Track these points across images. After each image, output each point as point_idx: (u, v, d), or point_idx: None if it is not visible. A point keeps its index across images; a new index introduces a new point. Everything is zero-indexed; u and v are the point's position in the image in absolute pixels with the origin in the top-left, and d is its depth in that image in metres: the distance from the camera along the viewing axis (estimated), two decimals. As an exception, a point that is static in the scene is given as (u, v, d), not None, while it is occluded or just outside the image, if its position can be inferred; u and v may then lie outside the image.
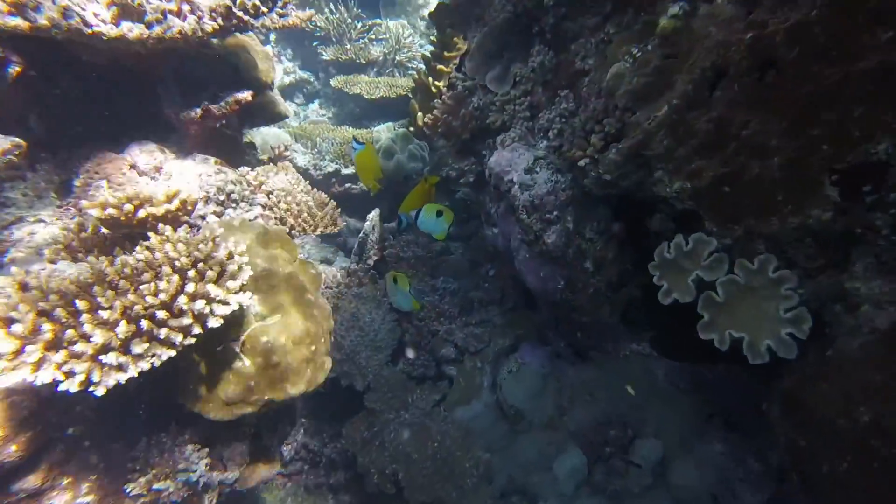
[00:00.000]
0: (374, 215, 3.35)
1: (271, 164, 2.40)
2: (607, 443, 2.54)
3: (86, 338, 1.11)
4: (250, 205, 1.73)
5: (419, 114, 2.83)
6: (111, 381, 1.10)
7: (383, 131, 4.19)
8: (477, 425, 2.69)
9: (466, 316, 3.14)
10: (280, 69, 5.23)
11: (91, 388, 1.10)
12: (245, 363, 1.33)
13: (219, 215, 1.68)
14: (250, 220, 1.61)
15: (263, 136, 3.85)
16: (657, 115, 1.73)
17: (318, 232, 1.78)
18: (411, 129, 2.92)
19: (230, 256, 1.32)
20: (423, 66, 5.23)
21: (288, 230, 1.73)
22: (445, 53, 2.72)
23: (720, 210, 1.61)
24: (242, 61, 2.03)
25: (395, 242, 3.43)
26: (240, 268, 1.31)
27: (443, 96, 2.64)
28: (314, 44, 5.14)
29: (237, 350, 1.35)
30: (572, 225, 2.03)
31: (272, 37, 5.29)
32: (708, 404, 2.45)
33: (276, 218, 1.72)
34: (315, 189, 2.08)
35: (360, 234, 3.28)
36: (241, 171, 1.89)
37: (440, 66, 2.72)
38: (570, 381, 2.74)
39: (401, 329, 3.06)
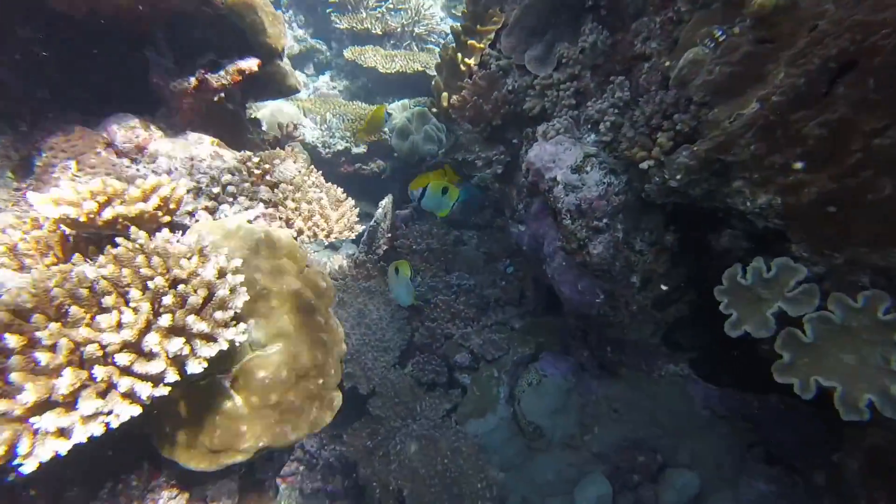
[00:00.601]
0: (386, 202, 3.05)
1: (278, 146, 2.09)
2: (634, 469, 2.29)
3: (7, 395, 0.82)
4: (251, 200, 1.43)
5: (444, 93, 2.52)
6: (47, 453, 0.83)
7: (397, 109, 3.86)
8: (491, 441, 2.44)
9: (483, 317, 2.88)
10: (290, 36, 4.87)
11: (17, 462, 0.84)
12: (236, 402, 1.06)
13: (211, 212, 1.38)
14: (249, 222, 1.32)
15: (271, 110, 3.53)
16: (743, 113, 1.43)
17: (331, 238, 1.49)
18: (433, 109, 2.62)
19: (221, 275, 1.03)
20: (449, 40, 4.90)
21: (296, 234, 1.44)
22: (479, 27, 2.39)
23: (819, 234, 1.32)
24: (248, 23, 1.71)
25: (407, 232, 3.14)
26: (233, 291, 1.01)
27: (473, 75, 2.33)
28: (328, 10, 4.77)
29: (227, 385, 1.07)
30: (622, 234, 1.75)
31: (283, 0, 4.92)
32: (750, 435, 2.20)
33: (281, 219, 1.43)
34: (329, 183, 1.77)
35: (371, 222, 2.99)
36: (241, 155, 1.57)
37: (471, 42, 2.40)
38: (595, 397, 2.48)
39: (411, 328, 2.80)
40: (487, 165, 2.49)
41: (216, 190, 1.41)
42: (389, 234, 3.13)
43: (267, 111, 3.54)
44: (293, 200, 1.51)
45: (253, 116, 2.13)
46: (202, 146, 1.56)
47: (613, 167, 1.73)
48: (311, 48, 4.85)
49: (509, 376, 2.53)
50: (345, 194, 1.76)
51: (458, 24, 2.52)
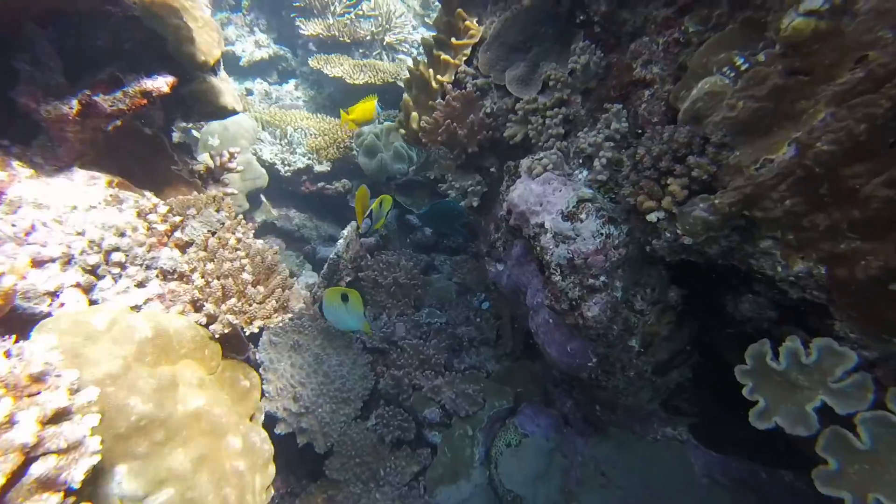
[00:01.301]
0: (349, 231, 2.72)
1: (212, 180, 1.72)
2: (626, 545, 2.01)
3: None
4: (146, 271, 1.09)
5: (413, 114, 2.21)
6: None
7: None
8: (464, 511, 2.13)
9: (455, 359, 2.57)
10: (251, 41, 4.50)
11: None
12: None
13: (86, 290, 1.03)
14: (137, 308, 0.98)
15: (224, 124, 3.17)
16: (772, 159, 1.16)
17: (253, 327, 1.15)
18: (402, 130, 2.31)
19: (57, 418, 0.69)
20: (419, 54, 4.59)
21: (205, 321, 1.10)
22: (453, 40, 2.09)
23: (876, 314, 1.05)
24: (170, 29, 1.37)
25: (372, 263, 2.81)
26: (75, 448, 0.67)
27: (447, 95, 2.02)
28: (293, 15, 4.42)
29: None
30: (620, 293, 1.46)
31: (245, 1, 4.54)
32: (755, 507, 1.93)
33: (186, 302, 1.09)
34: (260, 241, 1.41)
35: (332, 254, 2.65)
36: (142, 204, 1.22)
37: (445, 56, 2.09)
38: (581, 458, 2.19)
39: (374, 375, 2.47)
40: (462, 196, 2.19)
41: (93, 259, 1.06)
42: (352, 265, 2.80)
43: (217, 125, 3.17)
44: (202, 275, 1.16)
45: (179, 141, 1.76)
46: (93, 189, 1.20)
47: (612, 214, 1.44)
48: (275, 55, 4.48)
49: (485, 434, 2.22)
50: (277, 256, 1.38)
51: (430, 36, 2.21)
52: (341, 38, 4.24)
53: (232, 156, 1.75)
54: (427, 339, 2.58)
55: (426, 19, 4.68)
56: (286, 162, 3.32)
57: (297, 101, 4.35)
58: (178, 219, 1.23)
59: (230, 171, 1.71)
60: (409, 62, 4.32)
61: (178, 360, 0.91)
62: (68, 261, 1.02)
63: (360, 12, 4.40)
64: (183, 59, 1.44)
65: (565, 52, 1.82)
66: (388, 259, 2.80)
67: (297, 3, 4.33)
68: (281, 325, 2.49)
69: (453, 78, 2.15)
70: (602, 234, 1.40)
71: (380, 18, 4.34)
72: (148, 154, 1.48)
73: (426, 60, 2.23)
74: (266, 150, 3.33)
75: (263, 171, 3.25)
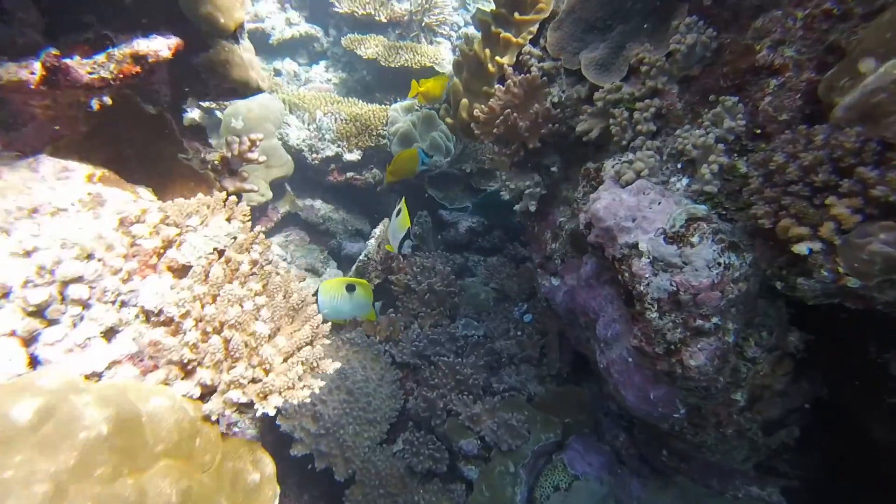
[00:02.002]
0: (380, 231, 2.42)
1: (227, 173, 1.41)
2: None
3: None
4: (121, 310, 0.79)
5: (463, 101, 1.89)
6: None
7: (400, 110, 3.22)
8: (502, 560, 1.84)
9: (493, 377, 2.27)
10: (282, 18, 4.20)
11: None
12: None
13: (26, 342, 0.73)
14: (96, 378, 0.68)
15: (247, 105, 2.88)
16: None
17: (269, 405, 0.84)
18: (448, 119, 1.99)
19: None
20: (458, 37, 4.23)
21: (198, 394, 0.79)
22: (516, 15, 1.76)
23: None
24: (182, -20, 1.08)
25: (405, 266, 2.51)
26: None
27: (506, 80, 1.69)
28: (326, -9, 4.10)
29: None
30: (733, 338, 1.13)
31: (275, -24, 4.23)
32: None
33: (174, 362, 0.78)
34: (290, 273, 1.06)
35: (363, 255, 2.36)
36: (128, 210, 0.91)
37: (505, 35, 1.76)
38: (638, 506, 1.89)
39: (404, 391, 2.18)
40: (517, 198, 1.87)
41: (40, 295, 0.75)
42: (382, 267, 2.50)
43: (242, 105, 2.88)
44: (198, 321, 0.83)
45: (190, 124, 1.46)
46: (63, 186, 0.90)
47: (733, 239, 1.11)
48: (306, 34, 4.17)
49: (528, 472, 1.91)
50: (306, 290, 1.00)
51: (488, 10, 1.88)
52: (377, 18, 3.91)
53: (253, 144, 1.44)
54: (463, 354, 2.27)
55: (467, 1, 4.33)
56: (314, 149, 3.02)
57: (327, 83, 4.05)
58: (173, 231, 0.92)
59: (250, 161, 1.41)
60: (458, 44, 3.99)
61: (153, 464, 0.61)
62: (2, 296, 0.72)
63: (399, -10, 4.06)
64: (197, 19, 1.14)
65: (658, 31, 1.48)
66: (423, 262, 2.50)
67: (332, -21, 4.01)
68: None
69: (514, 60, 1.82)
70: (720, 263, 1.08)
71: (419, -3, 4.00)
72: (149, 139, 1.19)
73: (481, 39, 1.90)
74: (293, 135, 3.04)
75: (289, 157, 2.97)
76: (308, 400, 0.84)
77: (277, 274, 0.99)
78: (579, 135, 1.62)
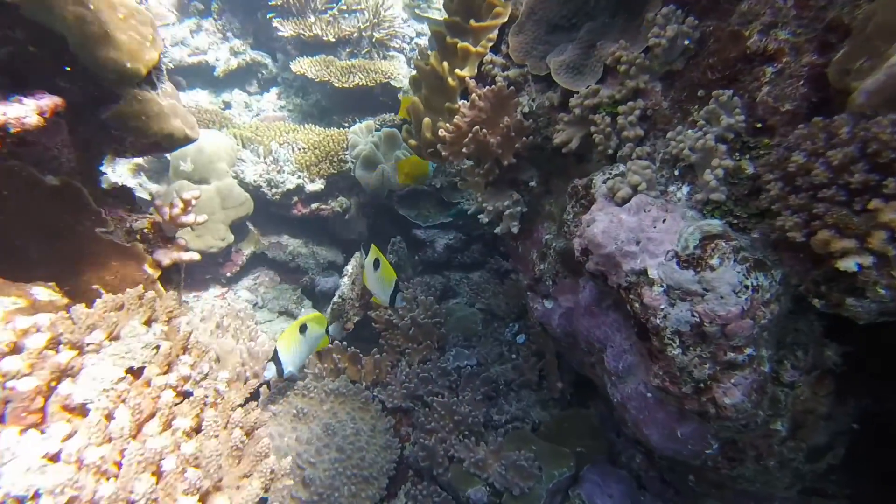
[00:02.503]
0: (353, 267, 2.23)
1: (160, 240, 1.19)
2: None
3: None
4: None
5: (426, 120, 1.72)
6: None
7: (361, 132, 3.04)
8: None
9: (493, 407, 2.09)
10: (226, 48, 3.98)
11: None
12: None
13: None
14: None
15: (199, 148, 2.66)
16: None
17: None
18: (412, 142, 1.82)
19: None
20: (412, 49, 4.06)
21: None
22: (472, 23, 1.60)
23: None
24: (69, 22, 0.87)
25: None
26: None
27: (471, 94, 1.53)
28: (269, 15, 3.90)
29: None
30: (769, 366, 0.98)
31: (214, 4, 4.02)
32: None
33: None
34: (223, 377, 0.86)
35: (336, 297, 2.16)
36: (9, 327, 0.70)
37: (463, 45, 1.60)
38: (666, 535, 1.73)
39: (399, 439, 1.99)
40: (497, 219, 1.70)
41: None
42: (360, 303, 2.31)
43: (191, 147, 2.66)
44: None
45: (110, 187, 1.20)
46: None
47: (756, 255, 0.96)
48: (252, 61, 3.96)
49: (545, 514, 1.74)
50: (260, 422, 0.77)
51: (440, 20, 1.72)
52: (325, 38, 3.73)
53: (188, 205, 1.22)
54: (458, 389, 2.10)
55: (416, 10, 4.17)
56: (273, 183, 2.82)
57: (281, 110, 3.84)
58: (65, 357, 0.71)
59: (185, 226, 1.20)
60: (413, 58, 3.82)
61: None
62: None
63: (344, 7, 3.88)
64: (96, 67, 0.94)
65: (631, 26, 1.33)
66: (403, 294, 2.31)
67: (273, 2, 3.81)
68: (279, 388, 2.01)
69: (476, 71, 1.66)
70: (748, 286, 0.92)
71: (366, 13, 3.83)
72: (53, 216, 0.99)
73: (437, 52, 1.73)
74: (249, 171, 2.83)
75: (247, 195, 2.76)
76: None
77: (218, 396, 0.79)
78: (558, 146, 1.46)
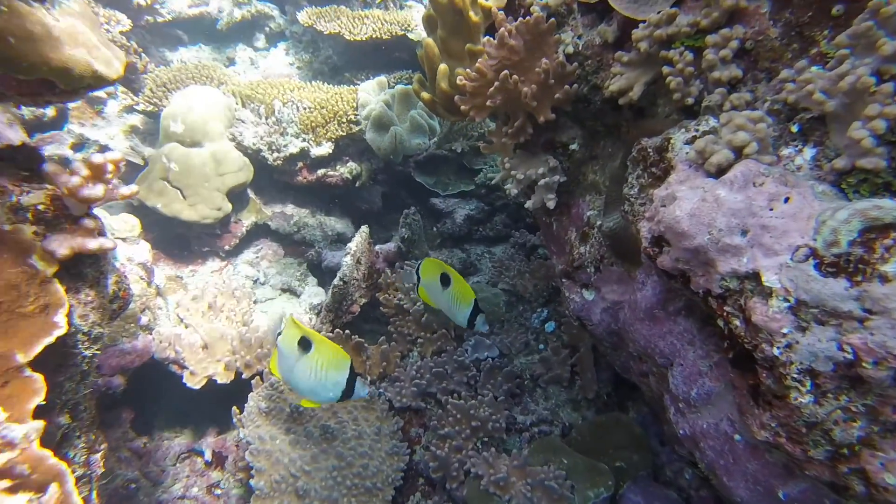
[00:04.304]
0: (357, 244, 1.91)
1: (50, 227, 0.85)
2: None
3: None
4: None
5: (442, 67, 1.36)
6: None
7: (371, 89, 2.67)
8: None
9: (517, 406, 1.79)
10: (230, -1, 3.59)
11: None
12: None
13: None
14: None
15: (188, 106, 2.34)
16: None
17: None
18: (424, 94, 1.47)
19: None
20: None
21: None
22: (501, -63, 1.22)
23: None
24: None
25: (394, 280, 2.01)
26: None
27: (499, 29, 1.16)
28: (276, -38, 3.50)
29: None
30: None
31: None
32: None
33: None
34: None
35: (337, 279, 1.85)
36: None
37: (488, -34, 1.23)
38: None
39: (408, 443, 1.71)
40: (527, 191, 1.35)
41: None
42: (367, 284, 2.00)
43: (180, 105, 2.34)
44: None
45: (5, 147, 0.86)
46: None
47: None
48: (258, 13, 3.58)
49: (578, 542, 1.45)
50: None
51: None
52: (336, -15, 3.32)
53: (97, 171, 0.88)
54: (477, 385, 1.79)
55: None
56: (275, 147, 2.49)
57: (289, 68, 3.48)
58: None
59: (92, 201, 0.85)
60: (425, 5, 3.40)
61: None
62: None
63: (357, -49, 3.46)
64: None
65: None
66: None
67: (280, -53, 3.40)
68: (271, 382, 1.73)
69: (504, 2, 1.28)
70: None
71: (381, -43, 3.40)
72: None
73: (456, -21, 1.35)
74: (248, 133, 2.50)
75: (246, 160, 2.44)
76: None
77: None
78: (611, 96, 1.09)
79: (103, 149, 2.40)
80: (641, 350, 1.06)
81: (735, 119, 0.75)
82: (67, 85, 0.80)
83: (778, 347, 0.65)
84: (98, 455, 0.96)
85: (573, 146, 1.30)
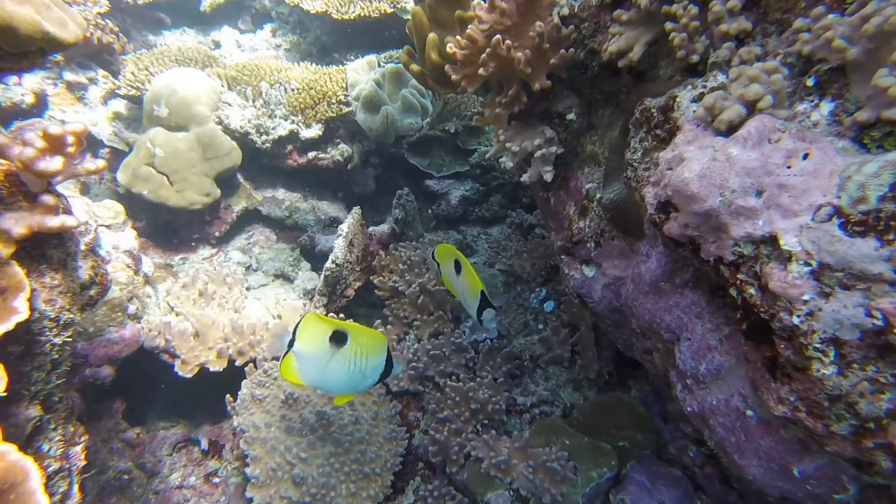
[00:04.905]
0: (348, 226, 1.85)
1: (6, 205, 0.78)
2: None
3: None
4: None
5: (431, 36, 1.28)
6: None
7: (360, 69, 2.59)
8: None
9: (517, 387, 1.75)
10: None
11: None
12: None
13: None
14: None
15: (171, 89, 2.26)
16: None
17: None
18: (413, 66, 1.39)
19: None
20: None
21: None
22: None
23: None
24: None
25: (388, 263, 1.95)
26: None
27: (489, -9, 1.09)
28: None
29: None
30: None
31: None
32: None
33: None
34: None
35: (329, 262, 1.79)
36: None
37: (477, -76, 1.15)
38: (731, 550, 1.39)
39: (406, 427, 1.66)
40: (523, 164, 1.29)
41: None
42: (361, 267, 1.94)
43: (163, 87, 2.26)
44: None
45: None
46: None
47: None
48: (244, -6, 3.48)
49: (581, 523, 1.41)
50: None
51: None
52: (322, -38, 3.20)
53: (54, 142, 0.79)
54: (475, 367, 1.74)
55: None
56: (262, 129, 2.41)
57: (276, 50, 3.38)
58: None
59: (48, 175, 0.77)
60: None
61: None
62: None
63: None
64: None
65: None
66: (411, 256, 1.93)
67: (263, -76, 3.28)
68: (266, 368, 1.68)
69: (495, -38, 1.21)
70: None
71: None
72: None
73: (444, -58, 1.27)
74: (235, 116, 2.42)
75: (233, 144, 2.36)
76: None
77: None
78: (609, 60, 1.03)
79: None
80: (646, 326, 1.01)
81: (747, 71, 0.69)
82: (13, 47, 0.73)
83: (798, 316, 0.60)
84: (78, 447, 0.91)
85: (570, 116, 1.23)
